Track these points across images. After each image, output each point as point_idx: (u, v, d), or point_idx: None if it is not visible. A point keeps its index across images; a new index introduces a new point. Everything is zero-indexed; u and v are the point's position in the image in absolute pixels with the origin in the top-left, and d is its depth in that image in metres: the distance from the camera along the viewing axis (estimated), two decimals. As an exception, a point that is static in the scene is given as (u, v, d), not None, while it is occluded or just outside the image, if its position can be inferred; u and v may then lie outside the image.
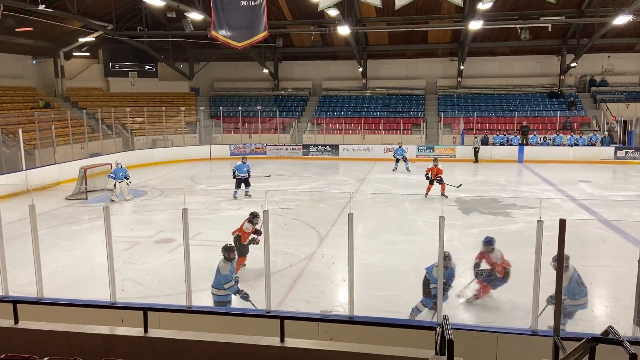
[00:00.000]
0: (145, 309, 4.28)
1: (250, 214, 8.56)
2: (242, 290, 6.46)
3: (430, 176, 14.94)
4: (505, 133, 25.24)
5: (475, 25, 19.78)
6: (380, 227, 11.74)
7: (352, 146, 25.73)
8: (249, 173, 15.50)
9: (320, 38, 28.05)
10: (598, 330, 3.52)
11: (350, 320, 4.92)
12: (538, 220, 4.66)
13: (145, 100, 28.52)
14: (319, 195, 15.77)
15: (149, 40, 26.86)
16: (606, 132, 24.44)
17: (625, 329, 4.36)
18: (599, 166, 21.86)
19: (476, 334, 4.55)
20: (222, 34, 14.20)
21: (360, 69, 29.91)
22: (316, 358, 3.86)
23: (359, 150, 25.41)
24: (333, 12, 19.31)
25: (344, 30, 21.10)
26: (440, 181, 14.76)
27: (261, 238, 7.62)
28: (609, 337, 2.86)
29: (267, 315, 4.93)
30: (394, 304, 7.28)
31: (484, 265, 7.19)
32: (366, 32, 26.82)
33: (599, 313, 7.19)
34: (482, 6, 14.91)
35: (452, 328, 4.32)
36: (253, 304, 6.33)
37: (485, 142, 24.83)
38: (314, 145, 26.17)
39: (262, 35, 13.78)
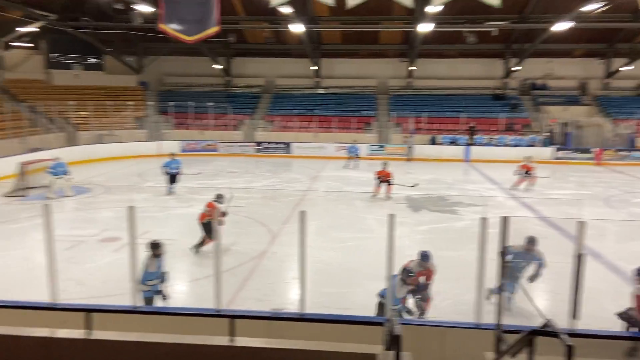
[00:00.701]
0: (88, 310, 4.12)
1: (216, 195, 9.45)
2: (161, 292, 6.33)
3: (379, 178, 15.14)
4: (453, 133, 26.03)
5: (424, 27, 20.27)
6: (332, 224, 11.82)
7: (304, 144, 25.78)
8: (178, 170, 15.24)
9: (273, 35, 27.91)
10: (538, 323, 3.69)
11: (301, 318, 4.91)
12: (482, 218, 4.83)
13: (90, 94, 27.43)
14: (271, 193, 15.71)
15: (95, 31, 25.85)
16: (546, 134, 25.64)
17: (564, 322, 4.59)
18: (539, 166, 22.84)
19: (424, 329, 4.66)
20: (171, 27, 13.83)
21: (314, 67, 29.99)
22: (266, 357, 3.84)
23: (312, 148, 25.49)
24: (286, 10, 19.25)
25: (297, 28, 21.08)
26: (389, 183, 15.01)
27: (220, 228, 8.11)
28: (547, 330, 3.00)
29: (217, 315, 4.85)
30: (345, 301, 7.36)
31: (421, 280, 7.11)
32: (319, 30, 26.91)
33: (539, 306, 7.52)
34: (431, 9, 15.29)
35: (401, 324, 4.41)
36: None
37: (433, 141, 25.53)
38: (267, 143, 26.04)
39: (213, 29, 13.51)
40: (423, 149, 25.10)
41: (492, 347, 3.95)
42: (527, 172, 16.39)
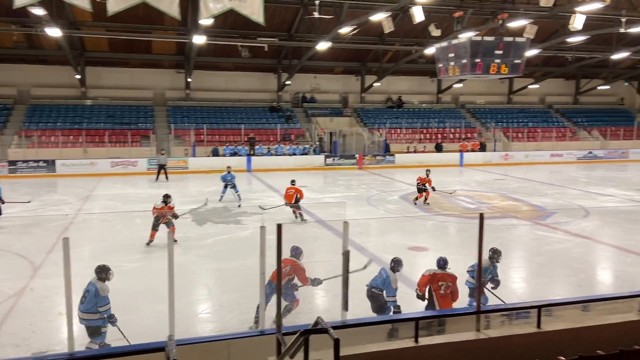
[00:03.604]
0: None
1: (164, 196, 11.17)
2: (113, 315, 5.99)
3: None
4: (234, 144, 26.52)
5: (198, 39, 20.20)
6: (110, 247, 10.84)
7: (72, 161, 23.17)
8: None
9: (24, 39, 24.43)
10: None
11: (70, 358, 4.35)
12: (261, 227, 4.97)
13: None
14: (32, 220, 13.66)
15: None
16: (317, 143, 28.10)
17: (338, 315, 5.01)
18: (313, 172, 24.91)
19: (208, 345, 4.56)
20: None
21: (78, 76, 27.22)
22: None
23: (81, 165, 23.06)
24: (39, 12, 17.05)
25: (54, 32, 18.84)
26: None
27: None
28: (317, 327, 3.21)
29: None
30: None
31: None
32: (82, 36, 24.53)
33: (317, 303, 8.11)
34: (203, 22, 15.31)
35: (183, 344, 4.24)
36: (121, 331, 5.88)
37: (215, 153, 25.61)
38: (24, 162, 22.61)
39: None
40: (205, 161, 24.98)
41: (275, 351, 4.08)
42: (423, 185, 15.91)
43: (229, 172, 16.31)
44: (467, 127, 32.07)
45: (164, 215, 10.88)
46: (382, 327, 5.00)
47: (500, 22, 16.73)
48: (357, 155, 27.28)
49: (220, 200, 16.07)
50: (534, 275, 9.71)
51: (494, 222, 13.48)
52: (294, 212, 14.06)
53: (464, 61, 15.17)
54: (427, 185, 15.80)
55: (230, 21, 22.48)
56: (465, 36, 16.09)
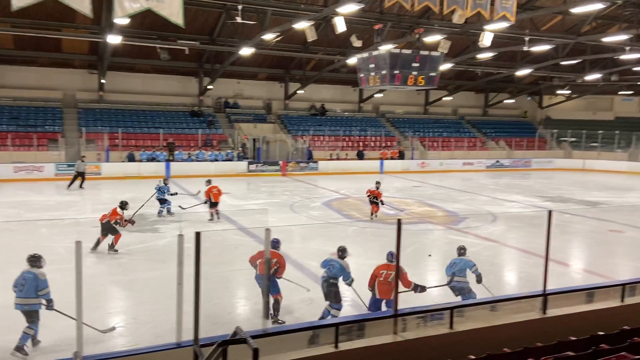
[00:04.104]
0: None
1: (122, 202, 11.14)
2: (52, 299, 6.42)
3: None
4: (152, 149, 25.52)
5: (113, 39, 19.29)
6: (12, 259, 9.96)
7: (-32, 166, 21.18)
8: None
9: None
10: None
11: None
12: (179, 235, 4.79)
13: None
14: None
15: None
16: (240, 149, 27.75)
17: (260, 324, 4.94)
18: (236, 179, 24.56)
19: (121, 361, 4.32)
20: None
21: (-23, 74, 25.00)
22: None
23: (-21, 171, 21.13)
24: None
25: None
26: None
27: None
28: (236, 337, 3.14)
29: None
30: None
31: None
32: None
33: (238, 313, 7.97)
34: (118, 21, 14.61)
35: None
36: (62, 312, 6.17)
37: (131, 158, 24.52)
38: None
39: None
40: (120, 167, 23.83)
41: (192, 364, 3.94)
42: (374, 197, 15.07)
43: (165, 184, 14.97)
44: (387, 135, 33.13)
45: (123, 221, 10.92)
46: (303, 334, 5.00)
47: (417, 36, 17.46)
48: (280, 162, 27.26)
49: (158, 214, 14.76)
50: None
51: (411, 227, 14.00)
52: (212, 212, 14.09)
53: (384, 72, 15.64)
54: (377, 198, 14.94)
55: (148, 21, 21.64)
56: (385, 48, 16.63)
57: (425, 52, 15.56)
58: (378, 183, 15.45)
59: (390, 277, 6.96)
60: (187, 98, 30.72)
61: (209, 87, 29.55)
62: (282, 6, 19.18)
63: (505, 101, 38.28)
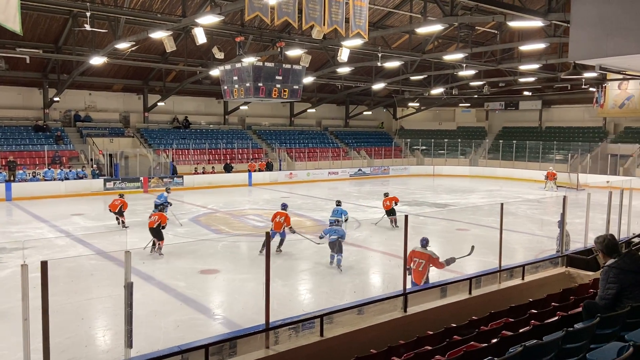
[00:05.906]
0: None
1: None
2: None
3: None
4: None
5: None
6: None
7: None
8: None
9: None
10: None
11: None
12: (22, 265, 4.26)
13: None
14: None
15: None
16: (95, 166, 25.66)
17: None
18: (91, 198, 22.64)
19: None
20: None
21: None
22: None
23: None
24: None
25: None
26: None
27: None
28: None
29: None
30: None
31: None
32: None
33: (97, 344, 7.29)
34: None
35: None
36: None
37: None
38: None
39: None
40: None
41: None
42: (395, 204, 15.79)
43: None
44: (254, 147, 33.15)
45: None
46: (172, 358, 4.72)
47: (279, 49, 17.79)
48: (141, 178, 25.74)
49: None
50: (318, 286, 10.42)
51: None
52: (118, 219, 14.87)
53: (248, 84, 15.68)
54: (396, 203, 15.88)
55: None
56: (248, 61, 16.67)
57: (288, 66, 15.93)
58: (387, 194, 16.05)
59: (421, 265, 7.59)
60: (30, 111, 27.67)
61: (55, 99, 26.89)
62: (136, 14, 18.21)
63: (364, 113, 40.73)
